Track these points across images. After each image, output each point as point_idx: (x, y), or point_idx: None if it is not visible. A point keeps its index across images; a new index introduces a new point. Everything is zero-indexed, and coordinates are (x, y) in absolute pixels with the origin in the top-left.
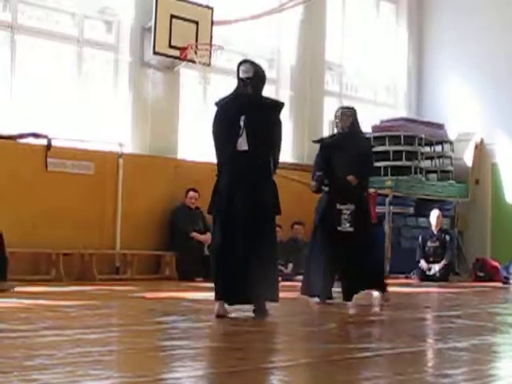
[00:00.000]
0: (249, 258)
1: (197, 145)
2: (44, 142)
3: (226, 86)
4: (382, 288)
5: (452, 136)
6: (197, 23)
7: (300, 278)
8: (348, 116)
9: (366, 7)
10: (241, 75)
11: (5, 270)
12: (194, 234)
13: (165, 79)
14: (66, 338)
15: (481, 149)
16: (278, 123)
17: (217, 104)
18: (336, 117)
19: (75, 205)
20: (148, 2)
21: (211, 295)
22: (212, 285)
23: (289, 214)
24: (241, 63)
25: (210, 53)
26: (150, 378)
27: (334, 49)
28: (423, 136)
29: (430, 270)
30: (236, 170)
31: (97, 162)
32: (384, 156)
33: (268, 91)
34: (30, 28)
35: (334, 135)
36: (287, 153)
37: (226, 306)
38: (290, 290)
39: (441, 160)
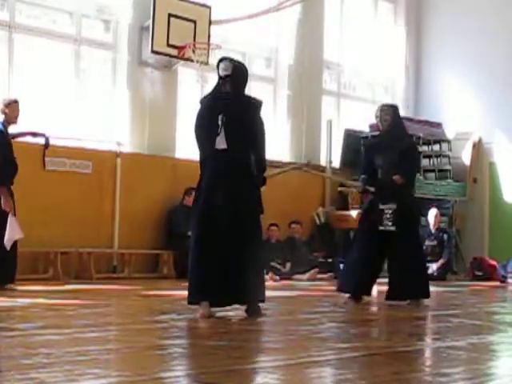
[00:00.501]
0: (233, 258)
1: (195, 143)
2: (42, 140)
3: None
4: (426, 293)
5: (450, 135)
6: (195, 22)
7: (298, 276)
8: (387, 115)
9: (364, 6)
10: (220, 73)
11: (15, 273)
12: None
13: (163, 78)
14: (64, 337)
15: (479, 148)
16: (259, 121)
17: (200, 102)
18: (376, 116)
19: (73, 204)
20: (146, 1)
21: None
22: None
23: (286, 213)
24: (220, 61)
25: (208, 52)
26: (147, 376)
27: (332, 48)
28: (421, 135)
29: (427, 268)
30: (215, 169)
31: (95, 161)
32: None
33: (266, 90)
34: (28, 27)
35: (377, 135)
36: (285, 152)
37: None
38: (288, 289)
39: (439, 159)
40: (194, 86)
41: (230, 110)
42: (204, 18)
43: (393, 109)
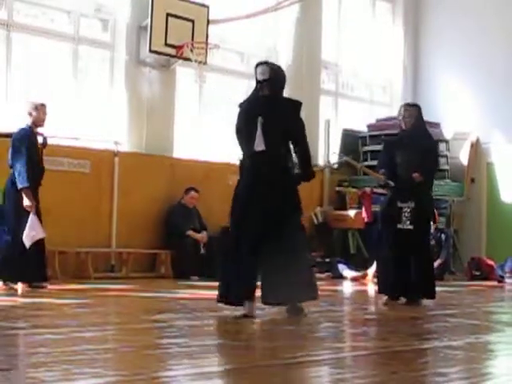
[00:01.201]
0: (272, 259)
1: (193, 143)
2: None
3: (222, 84)
4: (432, 294)
5: (448, 135)
6: (193, 22)
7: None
8: (411, 113)
9: (361, 6)
10: (258, 77)
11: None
12: (190, 233)
13: (161, 77)
14: (62, 336)
15: (476, 148)
16: (299, 122)
17: (239, 106)
18: (399, 115)
19: (71, 203)
20: (144, 1)
21: (206, 293)
22: (210, 283)
23: None
24: (258, 65)
25: (206, 51)
26: (145, 375)
27: (330, 48)
28: None
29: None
30: (254, 171)
31: (93, 161)
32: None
33: None
34: (26, 26)
35: (398, 133)
36: None
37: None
38: None
39: None
40: (192, 85)
41: (269, 112)
42: (202, 17)
43: (416, 109)
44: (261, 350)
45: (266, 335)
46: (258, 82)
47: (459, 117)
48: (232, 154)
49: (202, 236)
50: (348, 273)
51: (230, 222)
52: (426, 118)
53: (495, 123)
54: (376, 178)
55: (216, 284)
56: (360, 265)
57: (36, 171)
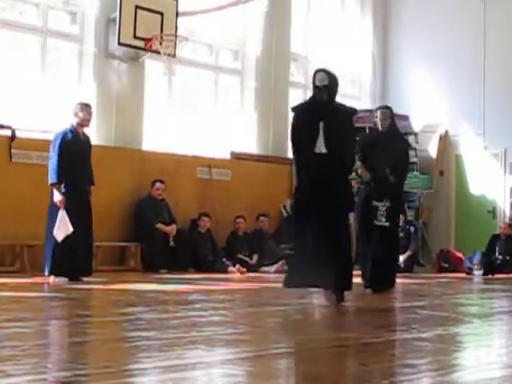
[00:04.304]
0: (324, 252)
1: (162, 136)
2: (8, 132)
3: (191, 76)
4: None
5: (417, 128)
6: (162, 14)
7: (265, 269)
8: (386, 116)
9: None
10: (317, 83)
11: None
12: (159, 226)
13: (129, 70)
14: (31, 330)
15: (445, 140)
16: (353, 128)
17: (294, 109)
18: (375, 117)
19: (40, 196)
20: None
21: (176, 286)
22: (179, 276)
23: (254, 205)
24: (317, 72)
25: (175, 44)
26: (114, 368)
27: (300, 40)
28: None
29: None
30: (316, 172)
31: None
32: None
33: (233, 82)
34: None
35: (372, 133)
36: (252, 144)
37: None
38: (254, 281)
39: None
40: (161, 78)
41: (330, 117)
42: (171, 9)
43: (389, 111)
44: (230, 343)
45: (236, 328)
46: (316, 87)
47: (428, 109)
48: (201, 147)
49: (171, 229)
50: None
51: (294, 217)
52: (394, 110)
53: (463, 116)
54: (365, 174)
55: (184, 276)
56: None
57: (78, 170)
